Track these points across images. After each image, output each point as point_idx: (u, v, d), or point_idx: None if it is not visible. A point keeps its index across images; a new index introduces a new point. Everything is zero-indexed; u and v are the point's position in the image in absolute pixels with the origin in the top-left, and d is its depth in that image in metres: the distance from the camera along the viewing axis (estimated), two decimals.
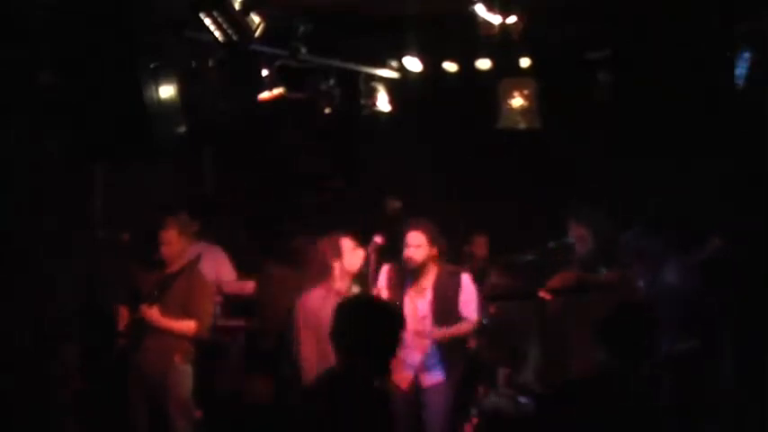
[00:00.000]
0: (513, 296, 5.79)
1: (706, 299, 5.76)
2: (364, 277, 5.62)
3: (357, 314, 3.65)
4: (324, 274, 5.44)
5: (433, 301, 5.53)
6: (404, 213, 7.53)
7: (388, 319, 3.63)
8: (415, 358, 5.49)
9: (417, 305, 5.56)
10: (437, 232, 5.56)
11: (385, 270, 5.71)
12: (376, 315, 3.63)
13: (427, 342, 5.47)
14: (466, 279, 5.58)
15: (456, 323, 5.48)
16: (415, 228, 5.53)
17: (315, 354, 5.24)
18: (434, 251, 5.54)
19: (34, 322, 6.27)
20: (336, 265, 5.44)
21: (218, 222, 7.07)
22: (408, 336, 5.34)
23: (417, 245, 5.51)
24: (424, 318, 5.52)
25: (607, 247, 5.41)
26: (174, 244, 5.93)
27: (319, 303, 5.31)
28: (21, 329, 6.19)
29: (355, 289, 5.55)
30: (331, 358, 5.13)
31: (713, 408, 5.83)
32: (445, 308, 5.51)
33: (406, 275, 5.62)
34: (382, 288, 5.66)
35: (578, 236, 5.42)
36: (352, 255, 5.49)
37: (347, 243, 5.50)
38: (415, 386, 5.53)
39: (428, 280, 5.59)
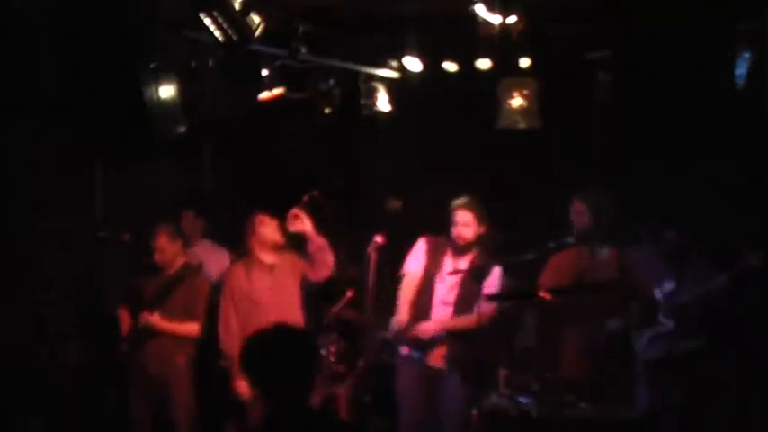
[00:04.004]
0: (513, 296, 5.78)
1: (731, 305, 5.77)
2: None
3: (267, 351, 3.34)
4: (244, 248, 5.77)
5: (460, 285, 5.50)
6: (404, 213, 7.54)
7: (302, 349, 3.38)
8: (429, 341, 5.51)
9: (446, 284, 5.55)
10: (484, 211, 5.55)
11: (424, 241, 5.67)
12: (288, 348, 3.35)
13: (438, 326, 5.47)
14: (496, 271, 5.53)
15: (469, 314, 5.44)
16: (463, 206, 5.52)
17: (235, 324, 5.62)
18: (482, 229, 5.54)
19: (34, 322, 6.27)
20: (253, 239, 5.71)
21: (218, 222, 7.07)
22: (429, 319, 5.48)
23: (465, 223, 5.50)
24: (445, 303, 5.52)
25: (606, 226, 5.43)
26: (167, 250, 5.95)
27: (241, 276, 5.69)
28: (21, 329, 6.19)
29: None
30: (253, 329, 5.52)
31: (714, 407, 5.83)
32: (468, 296, 5.47)
33: (449, 253, 5.59)
34: (416, 259, 5.64)
35: (576, 211, 5.46)
36: (263, 227, 5.70)
37: (259, 217, 5.72)
38: (429, 372, 5.52)
39: (465, 262, 5.56)
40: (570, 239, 5.43)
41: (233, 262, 5.98)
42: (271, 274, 5.69)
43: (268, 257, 5.72)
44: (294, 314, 5.67)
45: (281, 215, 5.72)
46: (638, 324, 5.57)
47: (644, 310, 5.48)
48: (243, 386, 5.52)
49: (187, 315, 5.88)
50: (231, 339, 5.58)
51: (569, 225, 5.57)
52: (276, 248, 5.73)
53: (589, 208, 5.46)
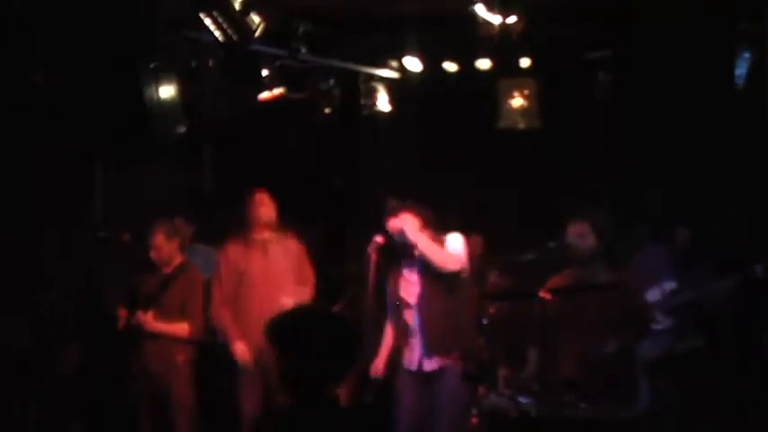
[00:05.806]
0: (512, 296, 5.77)
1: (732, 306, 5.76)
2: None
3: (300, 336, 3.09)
4: (243, 226, 5.87)
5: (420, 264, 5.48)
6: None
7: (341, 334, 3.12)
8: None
9: (411, 275, 5.53)
10: (418, 214, 5.52)
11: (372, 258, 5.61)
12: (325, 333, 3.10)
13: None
14: (452, 237, 5.50)
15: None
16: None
17: (221, 297, 5.77)
18: (424, 231, 5.50)
19: (34, 322, 6.28)
20: (250, 217, 5.81)
21: (218, 223, 7.07)
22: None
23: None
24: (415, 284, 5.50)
25: (607, 246, 5.34)
26: (163, 248, 5.91)
27: (238, 253, 5.80)
28: (21, 329, 6.20)
29: None
30: (247, 311, 5.65)
31: (714, 407, 5.84)
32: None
33: (399, 251, 5.56)
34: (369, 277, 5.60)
35: (579, 233, 5.29)
36: (260, 206, 5.81)
37: (258, 196, 5.83)
38: (422, 368, 5.50)
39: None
40: (570, 239, 5.39)
41: (230, 241, 5.99)
42: (264, 252, 5.76)
43: (263, 236, 5.80)
44: (283, 294, 5.68)
45: (281, 214, 5.76)
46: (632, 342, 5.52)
47: (638, 330, 5.40)
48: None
49: (182, 314, 5.86)
50: (220, 310, 5.76)
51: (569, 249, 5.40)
52: (272, 228, 5.81)
53: (591, 228, 5.29)
